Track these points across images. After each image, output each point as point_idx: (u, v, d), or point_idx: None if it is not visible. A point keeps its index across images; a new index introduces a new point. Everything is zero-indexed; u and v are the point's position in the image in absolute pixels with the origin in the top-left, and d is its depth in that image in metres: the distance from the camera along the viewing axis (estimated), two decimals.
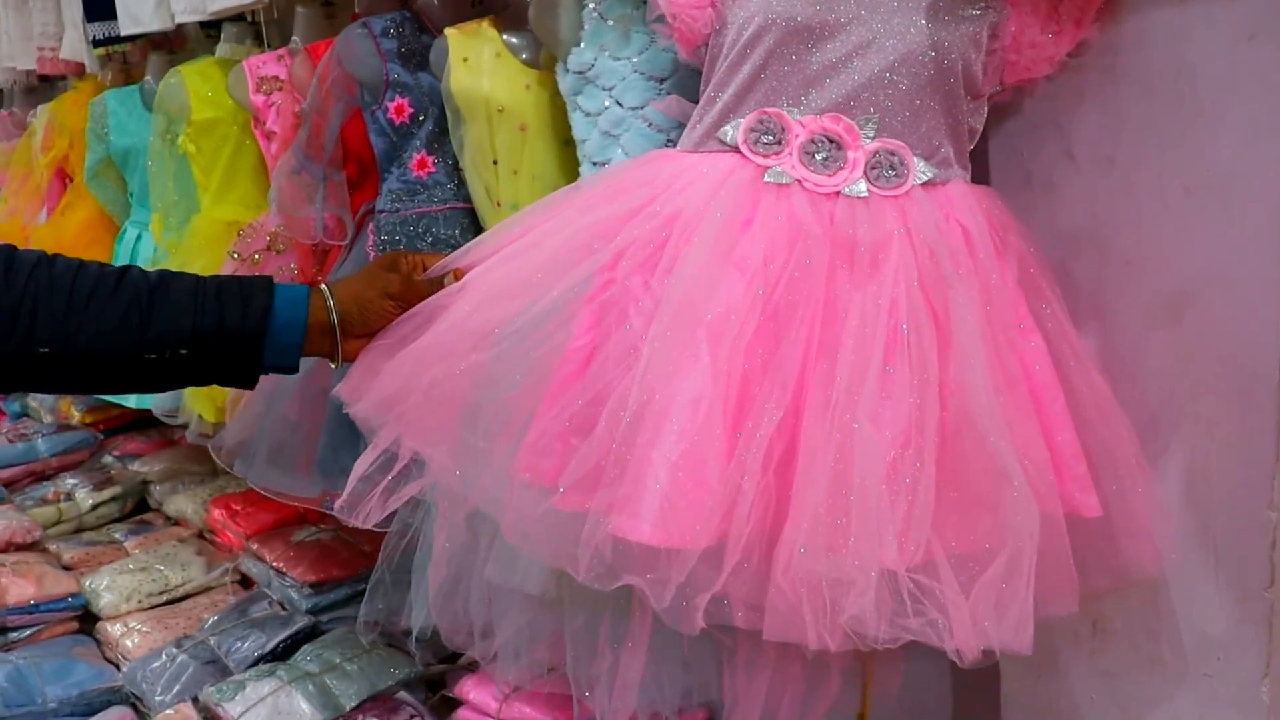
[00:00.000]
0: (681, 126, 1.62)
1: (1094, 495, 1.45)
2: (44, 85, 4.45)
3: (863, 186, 1.47)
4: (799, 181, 1.47)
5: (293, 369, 1.48)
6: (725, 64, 1.51)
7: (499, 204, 1.93)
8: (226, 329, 1.38)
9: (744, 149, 1.49)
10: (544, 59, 1.88)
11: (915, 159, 1.49)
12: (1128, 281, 1.53)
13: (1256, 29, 1.36)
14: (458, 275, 1.55)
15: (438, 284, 1.54)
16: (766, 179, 1.47)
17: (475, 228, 2.05)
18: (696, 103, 1.57)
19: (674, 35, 1.55)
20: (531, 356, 1.42)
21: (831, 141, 1.47)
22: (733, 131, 1.50)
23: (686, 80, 1.67)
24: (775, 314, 1.39)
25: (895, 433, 1.35)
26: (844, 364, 1.36)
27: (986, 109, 1.56)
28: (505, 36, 1.91)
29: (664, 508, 1.28)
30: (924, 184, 1.49)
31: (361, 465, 1.53)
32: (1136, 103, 1.49)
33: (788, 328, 1.39)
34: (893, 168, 1.47)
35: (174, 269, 2.75)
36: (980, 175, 1.61)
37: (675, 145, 1.63)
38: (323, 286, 1.49)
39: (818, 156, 1.47)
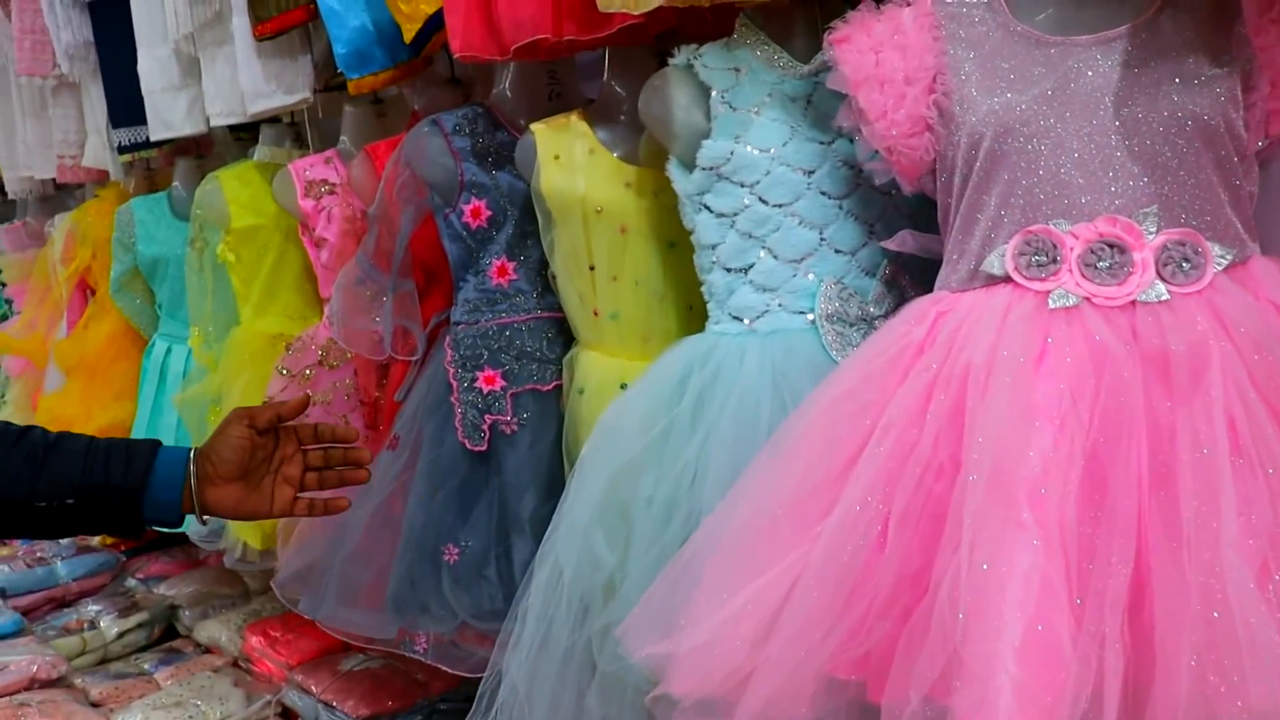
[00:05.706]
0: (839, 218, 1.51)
1: None
2: (59, 194, 4.31)
3: (1160, 289, 1.30)
4: (1087, 299, 1.31)
5: (175, 523, 1.61)
6: (971, 187, 1.38)
7: (596, 313, 1.77)
8: (110, 484, 1.54)
9: (1016, 276, 1.34)
10: (644, 154, 1.73)
11: (1210, 244, 1.32)
12: None
13: None
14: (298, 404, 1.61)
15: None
16: (1051, 305, 1.32)
17: (564, 339, 1.90)
18: (930, 232, 1.47)
19: (894, 169, 1.43)
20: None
21: (1112, 247, 1.32)
22: (999, 260, 1.36)
23: (835, 171, 1.54)
24: (1095, 455, 1.24)
25: (1261, 551, 1.17)
26: (1187, 493, 1.19)
27: (1257, 168, 1.39)
28: (597, 131, 1.77)
29: (1020, 699, 1.13)
30: (1225, 269, 1.32)
31: None
32: None
33: (1113, 467, 1.23)
34: (1187, 260, 1.31)
35: (215, 386, 2.67)
36: None
37: (827, 243, 1.51)
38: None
39: (1100, 266, 1.32)
